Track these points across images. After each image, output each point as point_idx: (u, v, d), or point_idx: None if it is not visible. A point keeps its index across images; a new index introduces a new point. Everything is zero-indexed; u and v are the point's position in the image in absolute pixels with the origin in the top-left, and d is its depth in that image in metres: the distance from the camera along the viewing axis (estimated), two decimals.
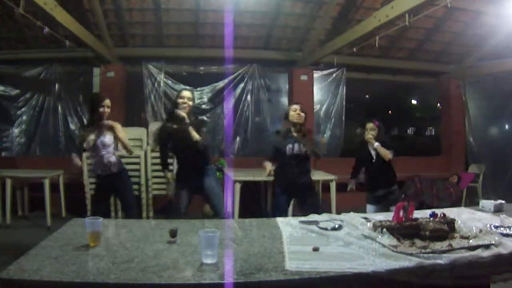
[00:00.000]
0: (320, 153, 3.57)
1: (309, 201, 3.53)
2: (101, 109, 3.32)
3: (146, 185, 5.50)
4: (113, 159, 3.42)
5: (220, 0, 5.37)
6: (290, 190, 3.56)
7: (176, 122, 3.28)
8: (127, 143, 3.41)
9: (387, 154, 3.65)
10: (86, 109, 6.59)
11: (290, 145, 3.47)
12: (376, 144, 3.68)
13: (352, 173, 4.07)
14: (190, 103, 3.33)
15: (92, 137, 3.33)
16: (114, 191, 3.64)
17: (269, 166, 3.52)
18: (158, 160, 5.40)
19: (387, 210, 3.54)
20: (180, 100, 3.30)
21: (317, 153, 3.54)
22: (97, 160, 3.40)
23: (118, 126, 3.38)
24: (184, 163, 3.44)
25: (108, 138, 3.37)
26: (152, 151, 5.51)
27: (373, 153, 3.75)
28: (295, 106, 3.58)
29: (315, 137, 3.61)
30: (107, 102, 3.36)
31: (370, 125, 3.75)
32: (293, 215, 4.18)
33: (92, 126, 3.37)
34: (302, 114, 3.55)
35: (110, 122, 3.34)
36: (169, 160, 3.83)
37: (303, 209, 3.49)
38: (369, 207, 3.82)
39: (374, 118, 3.88)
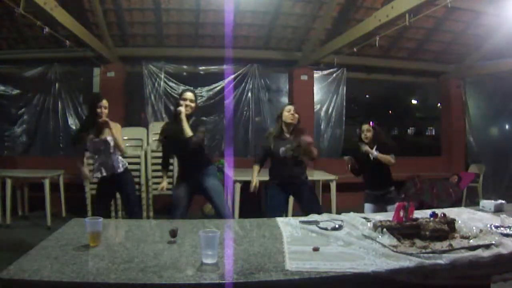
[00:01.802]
0: (313, 155, 3.49)
1: (307, 198, 3.52)
2: (98, 110, 3.32)
3: (146, 185, 5.50)
4: (116, 158, 3.43)
5: (220, 0, 5.37)
6: (286, 190, 3.55)
7: (175, 120, 3.28)
8: (120, 141, 3.39)
9: (389, 160, 3.61)
10: (86, 109, 6.64)
11: (283, 148, 3.43)
12: (376, 153, 3.63)
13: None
14: (193, 104, 3.32)
15: (91, 137, 3.33)
16: (119, 191, 3.64)
17: (255, 180, 3.52)
18: (158, 160, 5.47)
19: (384, 210, 3.57)
20: (181, 102, 3.29)
21: (310, 155, 3.48)
22: (102, 161, 3.40)
23: (113, 124, 3.38)
24: (183, 163, 3.44)
25: (109, 137, 3.37)
26: (153, 151, 5.52)
27: (371, 155, 3.71)
28: (289, 107, 3.55)
29: (307, 138, 3.48)
30: (104, 102, 3.36)
31: (365, 126, 3.72)
32: (293, 214, 4.19)
33: (89, 126, 3.37)
34: (296, 115, 3.50)
35: (104, 119, 3.32)
36: (170, 161, 3.81)
37: (302, 207, 3.50)
38: (367, 205, 3.82)
39: (371, 118, 3.82)
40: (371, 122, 3.76)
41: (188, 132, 3.18)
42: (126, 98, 6.55)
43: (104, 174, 3.42)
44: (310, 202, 3.45)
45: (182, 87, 6.69)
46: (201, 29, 6.12)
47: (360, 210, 2.54)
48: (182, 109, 3.22)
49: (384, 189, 3.75)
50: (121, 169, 3.47)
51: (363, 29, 4.73)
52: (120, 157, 3.49)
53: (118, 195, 4.37)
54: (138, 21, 5.87)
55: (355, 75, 7.16)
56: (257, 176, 3.59)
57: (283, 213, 3.51)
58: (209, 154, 3.57)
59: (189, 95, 3.34)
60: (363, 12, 5.73)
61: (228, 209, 3.48)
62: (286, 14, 5.90)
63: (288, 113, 3.49)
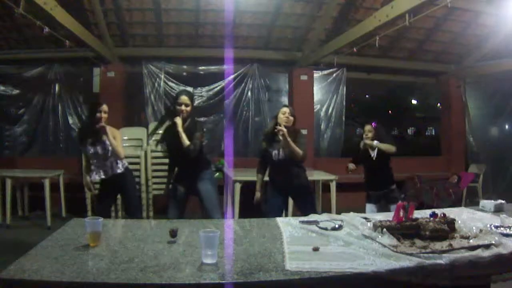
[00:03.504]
0: (299, 155, 3.34)
1: (304, 201, 3.50)
2: (97, 114, 3.34)
3: (146, 185, 5.50)
4: (115, 159, 3.44)
5: (220, 0, 5.37)
6: (285, 192, 3.53)
7: (170, 125, 3.27)
8: (116, 147, 3.39)
9: (389, 148, 3.72)
10: (86, 113, 6.64)
11: (275, 151, 3.40)
12: (375, 142, 3.73)
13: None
14: (188, 108, 3.24)
15: (90, 140, 3.37)
16: (120, 192, 3.64)
17: (259, 192, 3.57)
18: (158, 160, 5.47)
19: (386, 209, 3.60)
20: (177, 107, 3.22)
21: (296, 156, 3.33)
22: (100, 164, 3.42)
23: (111, 130, 3.41)
24: (180, 166, 3.43)
25: (107, 141, 3.38)
26: (153, 151, 5.52)
27: (372, 153, 3.80)
28: (285, 109, 3.46)
29: (300, 138, 3.43)
30: (104, 107, 3.38)
31: (367, 127, 3.85)
32: (293, 215, 4.18)
33: (89, 130, 3.39)
34: (291, 118, 3.42)
35: (101, 124, 3.32)
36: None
37: (300, 209, 3.50)
38: (368, 206, 3.85)
39: (373, 120, 3.94)
40: (373, 123, 3.85)
41: (186, 142, 3.14)
42: (126, 98, 6.54)
43: (103, 176, 3.43)
44: (304, 205, 3.40)
45: (182, 87, 6.70)
46: (201, 29, 6.11)
47: (360, 210, 2.54)
48: (178, 121, 3.15)
49: (386, 188, 3.81)
50: (121, 169, 3.49)
51: (363, 29, 4.73)
52: (118, 160, 3.48)
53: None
54: (138, 21, 5.87)
55: (355, 75, 7.16)
56: (260, 185, 3.60)
57: (281, 215, 3.49)
58: (204, 158, 3.50)
59: (184, 98, 3.25)
60: (363, 12, 5.72)
61: (219, 213, 3.41)
62: (286, 14, 5.90)
63: (283, 116, 3.42)
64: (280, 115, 3.45)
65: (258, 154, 3.69)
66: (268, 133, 3.52)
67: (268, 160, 3.49)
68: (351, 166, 3.89)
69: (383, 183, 3.83)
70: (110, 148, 3.39)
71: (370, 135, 3.80)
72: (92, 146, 3.38)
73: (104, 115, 3.37)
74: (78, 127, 3.51)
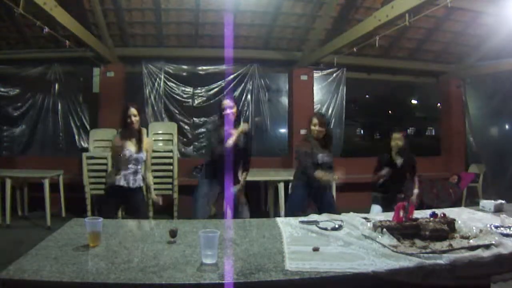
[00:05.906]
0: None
1: (327, 202, 3.64)
2: (128, 120, 3.30)
3: (146, 186, 5.49)
4: (139, 176, 3.42)
5: (220, 0, 5.37)
6: (313, 194, 3.64)
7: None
8: (149, 160, 3.47)
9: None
10: (86, 110, 6.64)
11: (320, 155, 3.54)
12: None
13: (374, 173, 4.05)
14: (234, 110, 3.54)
15: (128, 150, 3.30)
16: (127, 205, 3.54)
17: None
18: (158, 160, 5.46)
19: (391, 210, 3.62)
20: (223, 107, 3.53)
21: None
22: (126, 173, 3.34)
23: (146, 141, 3.46)
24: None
25: (143, 155, 3.39)
26: (154, 151, 5.51)
27: (398, 161, 3.82)
28: (315, 120, 3.59)
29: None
30: (133, 111, 3.34)
31: (397, 135, 3.82)
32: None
33: (125, 136, 3.33)
34: (322, 129, 3.56)
35: (145, 144, 3.37)
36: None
37: (321, 211, 3.55)
38: (375, 207, 3.89)
39: (401, 128, 3.97)
40: (403, 132, 3.88)
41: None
42: (126, 98, 6.54)
43: (122, 184, 3.33)
44: (330, 207, 3.50)
45: (182, 87, 6.70)
46: (201, 29, 6.11)
47: (360, 210, 2.54)
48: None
49: (395, 194, 3.86)
50: (137, 185, 3.42)
51: (363, 29, 4.73)
52: (141, 175, 3.46)
53: None
54: (138, 21, 5.87)
55: (355, 75, 7.16)
56: None
57: (303, 213, 3.54)
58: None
59: (227, 102, 3.57)
60: (363, 12, 5.73)
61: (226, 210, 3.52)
62: (286, 14, 5.90)
63: (314, 128, 3.57)
64: (312, 127, 3.58)
65: (303, 154, 3.67)
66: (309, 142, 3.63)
67: (308, 161, 3.56)
68: (384, 172, 3.84)
69: (397, 190, 3.87)
70: (142, 160, 3.39)
71: (400, 143, 3.78)
72: (128, 155, 3.30)
73: (134, 119, 3.31)
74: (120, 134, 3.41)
